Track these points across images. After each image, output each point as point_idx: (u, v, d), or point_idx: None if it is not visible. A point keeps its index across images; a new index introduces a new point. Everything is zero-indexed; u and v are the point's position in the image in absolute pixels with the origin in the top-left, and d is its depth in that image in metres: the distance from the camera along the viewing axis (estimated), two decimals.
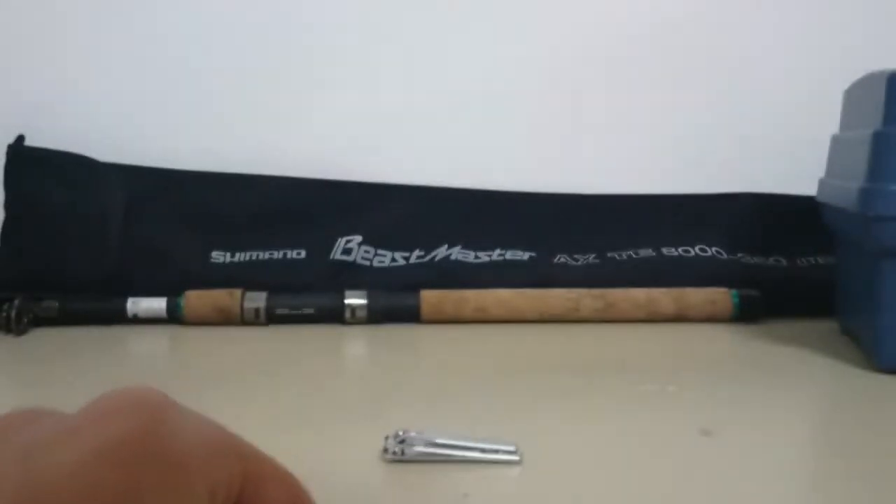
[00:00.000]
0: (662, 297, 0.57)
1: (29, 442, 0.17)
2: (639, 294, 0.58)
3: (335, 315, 0.57)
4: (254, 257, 0.61)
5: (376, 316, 0.57)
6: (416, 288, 0.58)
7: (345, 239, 0.62)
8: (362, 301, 0.57)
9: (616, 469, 0.33)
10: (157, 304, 0.57)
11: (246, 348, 0.53)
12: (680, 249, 0.63)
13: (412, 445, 0.33)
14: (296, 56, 0.68)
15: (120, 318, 0.57)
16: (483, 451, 0.33)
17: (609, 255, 0.63)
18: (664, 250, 0.63)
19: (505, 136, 0.69)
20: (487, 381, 0.46)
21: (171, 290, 0.57)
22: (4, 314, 0.54)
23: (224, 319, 0.56)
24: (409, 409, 0.40)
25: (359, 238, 0.62)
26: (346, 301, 0.57)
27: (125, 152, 0.64)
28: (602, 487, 0.31)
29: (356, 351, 0.55)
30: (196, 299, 0.57)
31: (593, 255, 0.63)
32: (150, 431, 0.17)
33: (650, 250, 0.63)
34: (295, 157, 0.67)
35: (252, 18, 0.68)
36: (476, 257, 0.62)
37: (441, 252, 0.63)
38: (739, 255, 0.62)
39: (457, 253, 0.63)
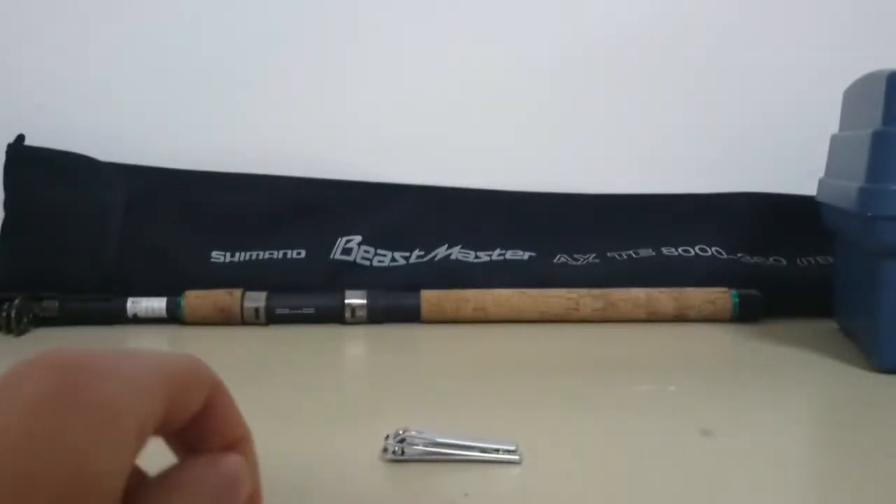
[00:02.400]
0: (662, 297, 0.57)
1: None
2: (639, 294, 0.58)
3: (335, 315, 0.57)
4: (254, 257, 0.61)
5: (376, 316, 0.57)
6: (416, 288, 0.58)
7: (345, 239, 0.62)
8: (362, 301, 0.57)
9: (616, 469, 0.33)
10: (157, 304, 0.57)
11: (246, 348, 0.53)
12: (680, 249, 0.63)
13: (412, 445, 0.33)
14: (297, 57, 0.68)
15: (120, 318, 0.57)
16: (483, 450, 0.33)
17: (609, 255, 0.63)
18: (664, 250, 0.63)
19: (505, 136, 0.69)
20: (487, 381, 0.46)
21: (171, 290, 0.57)
22: (4, 314, 0.54)
23: (224, 319, 0.56)
24: (410, 409, 0.40)
25: (359, 238, 0.62)
26: (346, 301, 0.57)
27: (125, 152, 0.64)
28: (602, 487, 0.31)
29: (356, 351, 0.55)
30: (196, 299, 0.57)
31: (593, 255, 0.63)
32: (68, 381, 0.17)
33: (650, 250, 0.63)
34: (295, 157, 0.67)
35: (251, 19, 0.68)
36: (476, 257, 0.62)
37: (441, 252, 0.63)
38: (739, 255, 0.63)
39: (457, 253, 0.63)
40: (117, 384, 0.18)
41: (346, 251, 0.62)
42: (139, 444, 0.18)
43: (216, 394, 0.21)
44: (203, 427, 0.21)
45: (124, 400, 0.18)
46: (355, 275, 0.61)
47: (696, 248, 0.63)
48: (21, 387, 0.17)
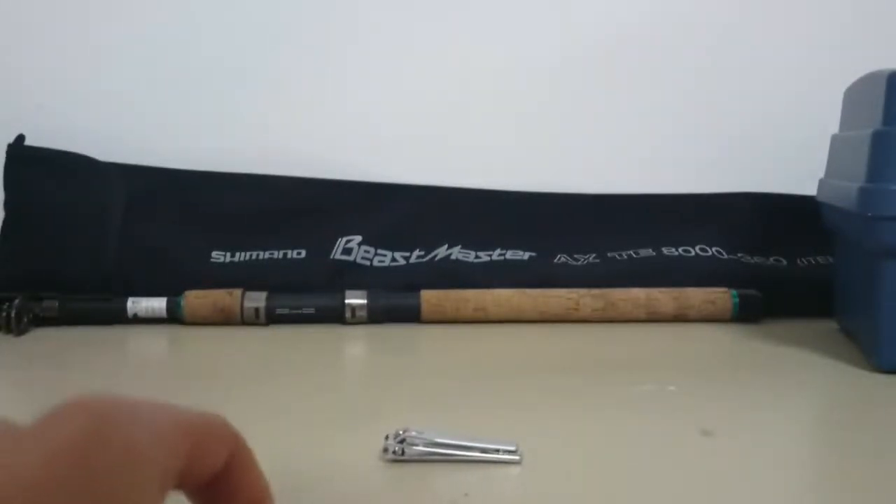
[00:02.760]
0: (662, 297, 0.57)
1: None
2: (639, 294, 0.58)
3: (335, 315, 0.57)
4: (254, 257, 0.61)
5: (376, 316, 0.57)
6: (416, 288, 0.58)
7: (345, 239, 0.62)
8: (362, 301, 0.57)
9: (616, 469, 0.33)
10: (157, 304, 0.57)
11: (246, 348, 0.52)
12: (680, 249, 0.63)
13: (412, 445, 0.33)
14: (297, 57, 0.68)
15: (120, 318, 0.57)
16: (483, 451, 0.33)
17: (609, 255, 0.63)
18: (664, 250, 0.63)
19: (505, 136, 0.69)
20: (487, 381, 0.46)
21: (171, 290, 0.57)
22: (4, 314, 0.54)
23: (224, 319, 0.56)
24: (410, 409, 0.40)
25: (359, 238, 0.62)
26: (347, 301, 0.57)
27: (125, 152, 0.64)
28: (602, 487, 0.31)
29: (356, 351, 0.55)
30: (196, 299, 0.57)
31: (593, 255, 0.63)
32: (97, 428, 0.17)
33: (650, 250, 0.63)
34: (295, 157, 0.67)
35: (251, 19, 0.68)
36: (476, 257, 0.62)
37: (441, 252, 0.63)
38: (739, 255, 0.63)
39: (457, 253, 0.63)
40: (141, 431, 0.18)
41: (347, 251, 0.62)
42: (162, 493, 0.18)
43: (238, 452, 0.21)
44: (225, 486, 0.21)
45: (147, 446, 0.18)
46: (355, 275, 0.61)
47: (697, 248, 0.63)
48: (50, 430, 0.17)
